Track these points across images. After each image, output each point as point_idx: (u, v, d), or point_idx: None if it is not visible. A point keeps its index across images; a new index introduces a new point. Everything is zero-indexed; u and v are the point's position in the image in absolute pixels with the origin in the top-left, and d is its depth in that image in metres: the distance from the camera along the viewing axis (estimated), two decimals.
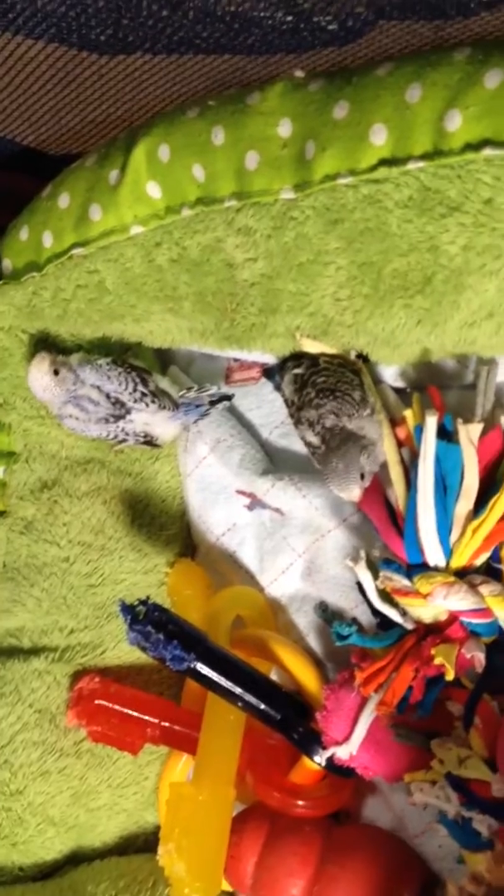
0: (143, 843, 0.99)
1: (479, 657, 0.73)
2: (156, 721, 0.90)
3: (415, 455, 0.76)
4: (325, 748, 0.81)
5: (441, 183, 0.66)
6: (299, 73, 0.73)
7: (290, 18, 0.67)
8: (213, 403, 0.92)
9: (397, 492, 0.78)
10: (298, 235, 0.73)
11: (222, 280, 0.79)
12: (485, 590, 0.73)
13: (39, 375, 0.86)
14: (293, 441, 0.92)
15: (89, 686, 0.93)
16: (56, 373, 0.86)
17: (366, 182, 0.68)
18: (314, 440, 0.80)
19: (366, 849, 0.82)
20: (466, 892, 0.72)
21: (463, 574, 0.75)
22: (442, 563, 0.76)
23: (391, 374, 0.85)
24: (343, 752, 0.80)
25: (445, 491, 0.75)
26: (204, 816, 0.81)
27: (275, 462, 0.94)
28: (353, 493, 0.77)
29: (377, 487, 0.80)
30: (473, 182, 0.65)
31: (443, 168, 0.65)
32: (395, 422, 0.80)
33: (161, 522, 0.99)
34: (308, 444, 0.81)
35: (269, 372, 0.91)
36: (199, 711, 0.86)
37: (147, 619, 0.81)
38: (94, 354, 0.91)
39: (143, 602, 0.82)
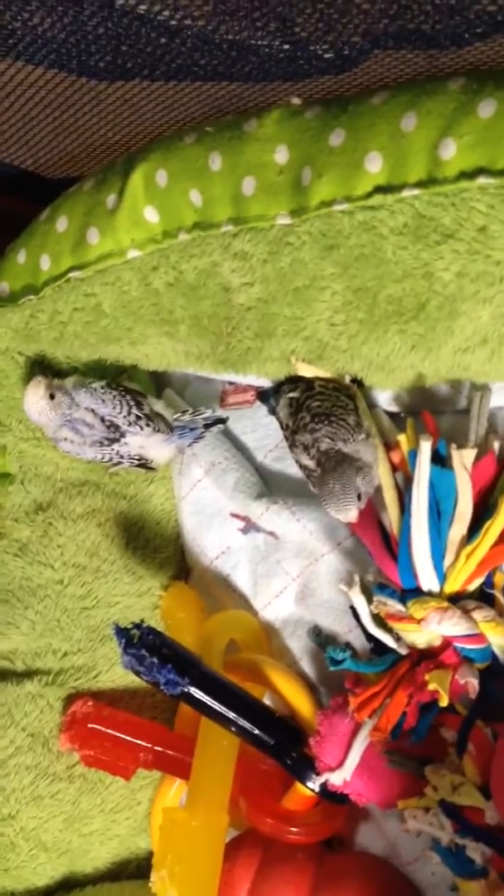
0: (135, 870, 0.98)
1: (472, 683, 0.73)
2: (149, 746, 0.90)
3: (409, 480, 0.76)
4: (318, 774, 0.81)
5: (435, 210, 0.67)
6: (296, 101, 0.73)
7: (287, 47, 0.68)
8: (207, 427, 0.92)
9: (391, 516, 0.78)
10: (294, 260, 0.74)
11: (218, 304, 0.79)
12: (478, 615, 0.73)
13: (35, 399, 0.87)
14: (288, 464, 0.92)
15: (82, 710, 0.93)
16: (52, 397, 0.86)
17: (361, 209, 0.69)
18: (309, 463, 0.80)
19: (359, 876, 0.82)
20: None
21: (457, 599, 0.75)
22: (436, 588, 0.76)
23: (385, 399, 0.85)
24: (336, 779, 0.80)
25: (439, 516, 0.75)
26: (197, 842, 0.80)
27: (269, 485, 0.94)
28: (350, 513, 0.76)
29: (371, 511, 0.80)
30: (468, 210, 0.66)
31: (437, 196, 0.66)
32: (389, 446, 0.80)
33: (155, 545, 0.99)
34: (303, 468, 0.81)
35: (263, 395, 0.91)
36: (192, 736, 0.86)
37: (141, 642, 0.81)
38: (90, 377, 0.92)
39: (138, 625, 0.82)
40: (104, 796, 0.95)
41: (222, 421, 0.93)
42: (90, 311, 0.84)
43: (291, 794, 0.85)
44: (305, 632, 0.90)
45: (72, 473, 0.97)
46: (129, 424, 0.88)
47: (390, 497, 0.78)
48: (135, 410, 0.89)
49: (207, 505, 0.95)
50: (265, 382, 0.89)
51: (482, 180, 0.64)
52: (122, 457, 0.90)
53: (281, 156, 0.72)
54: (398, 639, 0.78)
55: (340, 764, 0.79)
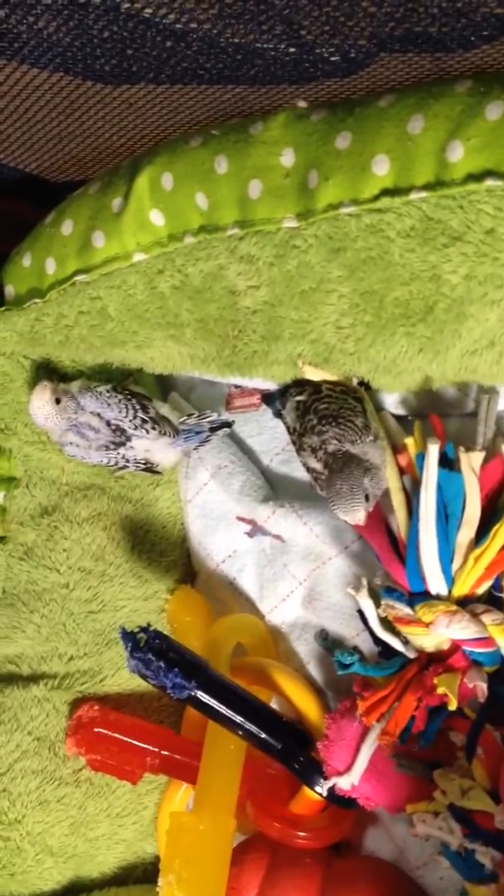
0: (141, 874, 0.98)
1: (481, 687, 0.73)
2: (156, 750, 0.90)
3: (416, 483, 0.76)
4: (326, 778, 0.81)
5: (443, 213, 0.66)
6: (302, 104, 0.73)
7: (293, 50, 0.68)
8: (213, 430, 0.92)
9: (399, 519, 0.78)
10: (301, 264, 0.73)
11: (224, 307, 0.79)
12: (487, 619, 0.73)
13: (41, 404, 0.87)
14: (294, 468, 0.92)
15: (89, 714, 0.92)
16: (57, 401, 0.86)
17: (368, 211, 0.69)
18: (317, 466, 0.79)
19: (367, 881, 0.82)
20: None
21: (465, 603, 0.75)
22: (444, 591, 0.75)
23: (392, 402, 0.85)
24: (344, 783, 0.79)
25: (447, 519, 0.75)
26: (204, 847, 0.80)
27: (275, 489, 0.94)
28: (358, 515, 0.76)
29: (379, 515, 0.80)
30: (475, 212, 0.65)
31: (445, 198, 0.66)
32: (396, 449, 0.80)
33: (161, 549, 0.99)
34: (311, 471, 0.81)
35: (268, 397, 0.91)
36: (199, 740, 0.86)
37: (148, 646, 0.81)
38: (95, 380, 0.92)
39: (144, 629, 0.82)
40: (111, 801, 0.95)
41: (228, 424, 0.93)
42: (96, 314, 0.84)
43: (299, 798, 0.85)
44: (312, 635, 0.89)
45: (77, 477, 0.97)
46: (135, 428, 0.88)
47: (398, 500, 0.78)
48: (140, 414, 0.89)
49: (214, 508, 0.95)
50: (271, 386, 0.89)
51: (490, 182, 0.64)
52: (127, 460, 0.90)
53: (287, 159, 0.72)
54: (406, 642, 0.78)
55: (348, 768, 0.79)
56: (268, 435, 0.95)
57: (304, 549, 0.89)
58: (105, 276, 0.81)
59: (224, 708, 0.82)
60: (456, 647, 0.75)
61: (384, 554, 0.79)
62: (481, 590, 0.75)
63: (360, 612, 0.80)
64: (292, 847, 0.84)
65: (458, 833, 0.74)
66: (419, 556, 0.75)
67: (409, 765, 0.78)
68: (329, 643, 0.88)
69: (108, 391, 0.89)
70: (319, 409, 0.79)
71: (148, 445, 0.90)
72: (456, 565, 0.75)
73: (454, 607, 0.74)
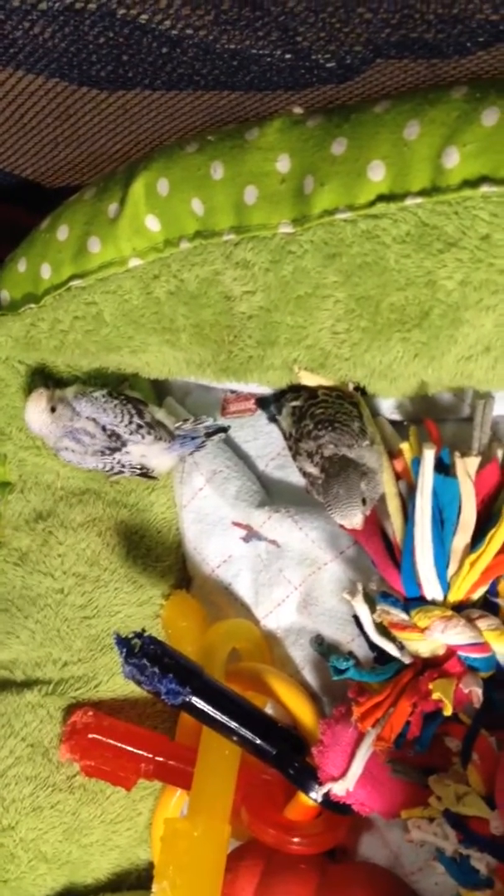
0: (135, 880, 0.98)
1: (476, 692, 0.73)
2: (150, 756, 0.90)
3: (412, 488, 0.76)
4: (321, 784, 0.81)
5: (438, 219, 0.67)
6: (298, 110, 0.74)
7: (288, 56, 0.68)
8: (209, 435, 0.92)
9: (394, 525, 0.78)
10: (296, 269, 0.74)
11: (220, 312, 0.79)
12: (482, 624, 0.73)
13: (37, 412, 0.87)
14: (289, 473, 0.92)
15: (83, 720, 0.92)
16: (53, 409, 0.86)
17: (364, 217, 0.69)
18: (313, 471, 0.79)
19: (362, 887, 0.81)
20: None
21: (460, 608, 0.75)
22: (439, 596, 0.75)
23: (388, 407, 0.85)
24: (339, 789, 0.79)
25: (443, 524, 0.75)
26: (199, 853, 0.80)
27: (271, 494, 0.94)
28: (356, 519, 0.75)
29: (374, 520, 0.80)
30: (471, 218, 0.66)
31: (440, 204, 0.66)
32: (392, 454, 0.80)
33: (156, 554, 0.99)
34: (307, 475, 0.81)
35: (263, 402, 0.91)
36: (193, 746, 0.85)
37: (142, 651, 0.80)
38: (91, 385, 0.92)
39: (139, 635, 0.82)
40: (105, 807, 0.94)
41: (224, 429, 0.93)
42: (91, 319, 0.84)
43: (294, 804, 0.85)
44: (308, 641, 0.89)
45: (72, 482, 0.97)
46: (131, 433, 0.88)
47: (393, 505, 0.78)
48: (136, 419, 0.89)
49: (209, 513, 0.95)
50: (267, 391, 0.89)
51: (485, 189, 0.64)
52: (123, 466, 0.90)
53: (283, 164, 0.72)
54: (401, 648, 0.78)
55: (343, 774, 0.79)
56: (263, 440, 0.95)
57: (300, 554, 0.89)
58: (101, 281, 0.81)
59: (219, 714, 0.82)
60: (451, 652, 0.75)
61: (379, 559, 0.79)
62: (477, 595, 0.75)
63: (356, 618, 0.80)
64: (287, 853, 0.83)
65: (453, 839, 0.73)
66: (415, 562, 0.75)
67: (405, 770, 0.78)
68: (324, 648, 0.88)
69: (103, 396, 0.89)
70: (315, 413, 0.79)
71: (143, 450, 0.90)
72: (451, 570, 0.75)
73: (450, 613, 0.73)
